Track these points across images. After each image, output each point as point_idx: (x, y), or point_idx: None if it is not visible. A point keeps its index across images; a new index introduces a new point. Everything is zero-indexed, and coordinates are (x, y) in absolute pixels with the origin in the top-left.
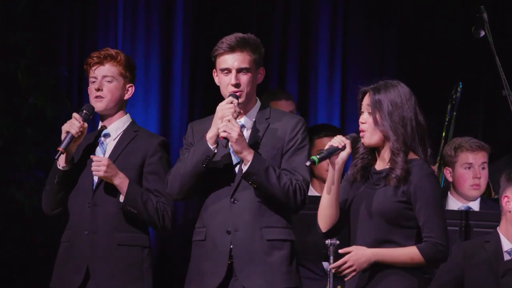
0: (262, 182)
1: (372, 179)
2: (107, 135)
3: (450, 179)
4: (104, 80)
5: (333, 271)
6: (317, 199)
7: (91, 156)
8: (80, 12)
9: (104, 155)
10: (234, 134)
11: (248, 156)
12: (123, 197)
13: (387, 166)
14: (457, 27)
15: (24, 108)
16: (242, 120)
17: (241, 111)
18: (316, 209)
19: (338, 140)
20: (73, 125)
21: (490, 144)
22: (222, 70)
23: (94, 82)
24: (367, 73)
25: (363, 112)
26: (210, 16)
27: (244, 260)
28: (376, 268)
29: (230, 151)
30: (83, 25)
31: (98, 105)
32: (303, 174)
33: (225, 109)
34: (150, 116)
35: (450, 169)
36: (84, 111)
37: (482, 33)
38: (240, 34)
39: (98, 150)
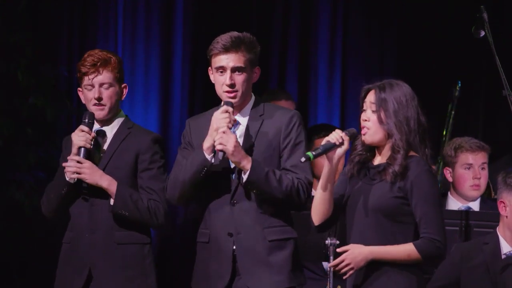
0: (264, 188)
1: (369, 174)
2: (103, 135)
3: (450, 179)
4: (102, 87)
5: (332, 269)
6: None
7: (71, 157)
8: (80, 12)
9: (100, 155)
10: (230, 147)
11: (247, 165)
12: (113, 200)
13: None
14: (457, 27)
15: (24, 108)
16: (236, 117)
17: (236, 112)
18: None
19: (335, 136)
20: (87, 139)
21: (490, 144)
22: (217, 69)
23: (91, 90)
24: (367, 73)
25: (365, 109)
26: (210, 16)
27: (247, 262)
28: (374, 266)
29: None
30: (83, 25)
31: (100, 113)
32: (304, 171)
33: (220, 119)
34: (150, 116)
35: (450, 169)
36: (88, 120)
37: (482, 33)
38: (235, 33)
39: (95, 151)
